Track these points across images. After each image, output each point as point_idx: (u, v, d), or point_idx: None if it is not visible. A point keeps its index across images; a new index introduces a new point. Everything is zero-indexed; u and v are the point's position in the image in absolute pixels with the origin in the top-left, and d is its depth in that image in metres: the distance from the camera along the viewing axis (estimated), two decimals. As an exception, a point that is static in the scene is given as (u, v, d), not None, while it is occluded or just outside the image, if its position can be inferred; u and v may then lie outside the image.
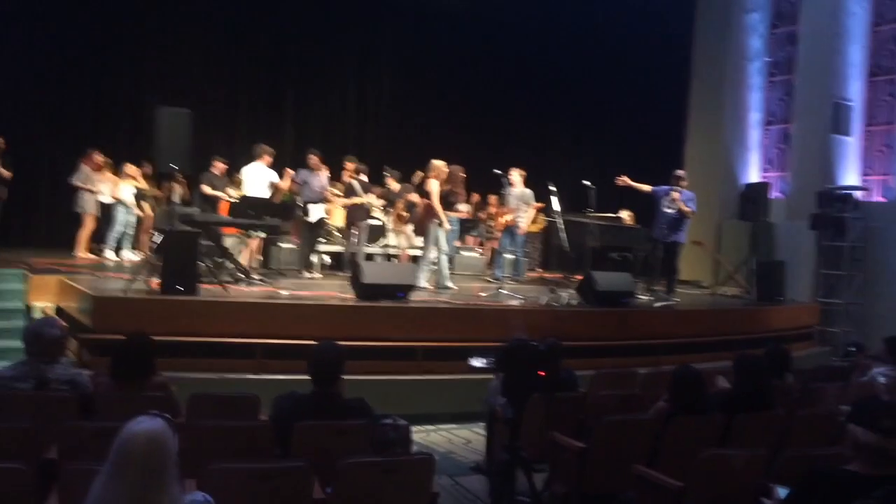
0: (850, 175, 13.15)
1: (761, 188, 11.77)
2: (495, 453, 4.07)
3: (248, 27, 14.30)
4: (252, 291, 8.10)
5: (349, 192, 10.64)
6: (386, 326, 7.25)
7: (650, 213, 10.33)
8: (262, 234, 9.71)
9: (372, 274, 7.84)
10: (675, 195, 9.84)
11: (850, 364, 7.33)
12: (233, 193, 10.62)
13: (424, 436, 6.51)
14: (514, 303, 8.69)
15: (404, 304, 7.73)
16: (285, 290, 8.22)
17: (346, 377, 4.12)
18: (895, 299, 12.15)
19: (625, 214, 12.88)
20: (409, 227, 10.95)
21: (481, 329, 7.43)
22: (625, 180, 9.89)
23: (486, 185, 12.61)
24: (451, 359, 7.18)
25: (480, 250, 13.55)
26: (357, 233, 10.60)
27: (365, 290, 7.65)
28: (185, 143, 7.40)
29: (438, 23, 15.64)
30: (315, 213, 10.03)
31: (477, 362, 3.74)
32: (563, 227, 9.74)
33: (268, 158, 9.83)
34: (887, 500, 2.47)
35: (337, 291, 8.41)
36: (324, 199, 10.25)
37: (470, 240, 13.79)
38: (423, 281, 9.34)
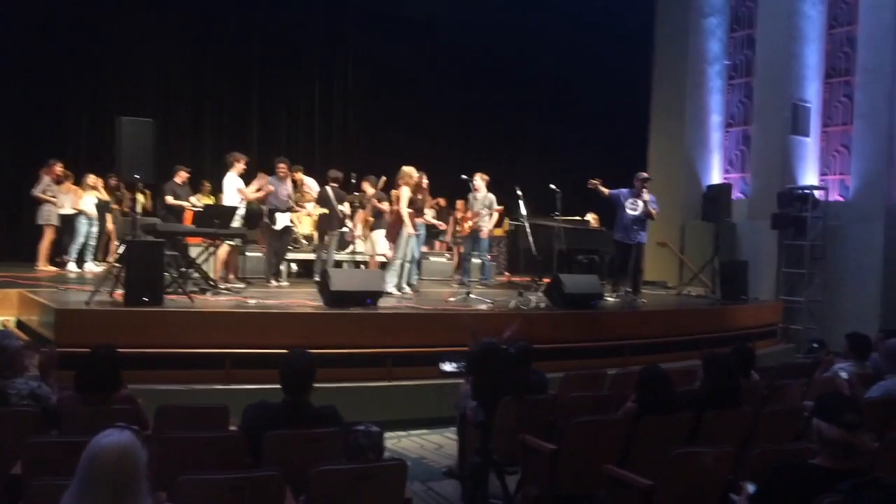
0: (808, 175, 13.43)
1: (723, 189, 11.95)
2: (467, 457, 4.07)
3: (211, 34, 14.20)
4: (219, 301, 8.01)
5: (322, 199, 10.60)
6: (355, 333, 7.22)
7: (612, 215, 10.43)
8: (231, 243, 9.60)
9: (340, 281, 7.80)
10: (646, 197, 9.99)
11: (813, 361, 7.47)
12: (196, 202, 10.52)
13: (396, 442, 6.50)
14: (483, 307, 8.71)
15: (373, 311, 7.70)
16: (253, 300, 8.15)
17: (315, 385, 4.09)
18: (855, 296, 12.43)
19: (591, 217, 13.00)
20: (376, 233, 10.92)
21: (450, 334, 7.43)
22: (595, 183, 9.99)
23: (452, 190, 12.64)
24: (420, 364, 7.20)
25: (448, 255, 13.57)
26: (328, 240, 10.56)
27: (333, 298, 7.61)
28: (149, 153, 7.30)
29: (403, 30, 15.69)
30: (281, 221, 9.97)
31: (447, 367, 3.75)
32: (530, 230, 9.79)
33: (239, 166, 9.73)
34: (852, 493, 2.52)
35: (305, 299, 8.36)
36: (290, 208, 10.19)
37: (438, 245, 13.81)
38: (392, 287, 9.35)
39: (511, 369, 3.74)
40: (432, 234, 12.79)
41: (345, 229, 11.40)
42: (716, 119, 15.08)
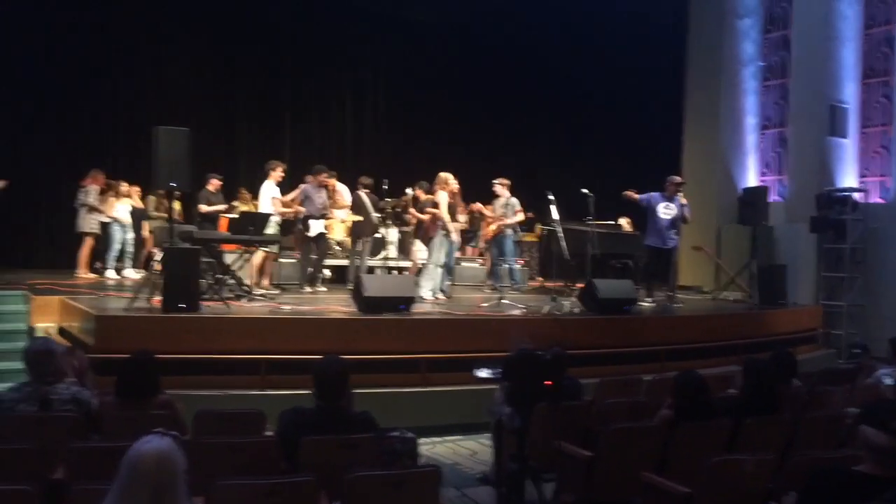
0: (847, 177, 13.19)
1: (760, 192, 11.77)
2: (503, 464, 4.05)
3: (243, 44, 14.35)
4: (254, 307, 8.09)
5: (356, 205, 10.66)
6: (388, 339, 7.23)
7: (644, 219, 10.34)
8: (266, 250, 9.70)
9: (373, 287, 7.83)
10: (683, 201, 9.91)
11: (855, 366, 7.33)
12: (242, 208, 10.66)
13: (430, 447, 6.49)
14: (516, 312, 8.68)
15: (406, 317, 7.71)
16: (287, 305, 8.21)
17: (352, 391, 4.11)
18: (896, 300, 12.17)
19: (624, 221, 12.88)
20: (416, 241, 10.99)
21: (484, 340, 7.42)
22: (629, 195, 9.95)
23: (487, 196, 12.63)
24: (454, 370, 7.18)
25: (481, 261, 13.55)
26: (361, 246, 10.63)
27: (367, 304, 7.64)
28: (185, 161, 7.40)
29: (434, 36, 15.72)
30: (315, 228, 10.04)
31: (482, 373, 3.72)
32: (562, 235, 9.74)
33: (276, 174, 9.85)
34: (899, 501, 2.46)
35: (339, 305, 8.40)
36: (324, 216, 10.26)
37: (470, 250, 13.80)
38: (427, 292, 9.37)
39: (546, 375, 3.71)
40: (465, 239, 12.79)
41: (378, 235, 11.46)
42: (751, 121, 14.89)
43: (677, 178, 10.29)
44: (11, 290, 8.53)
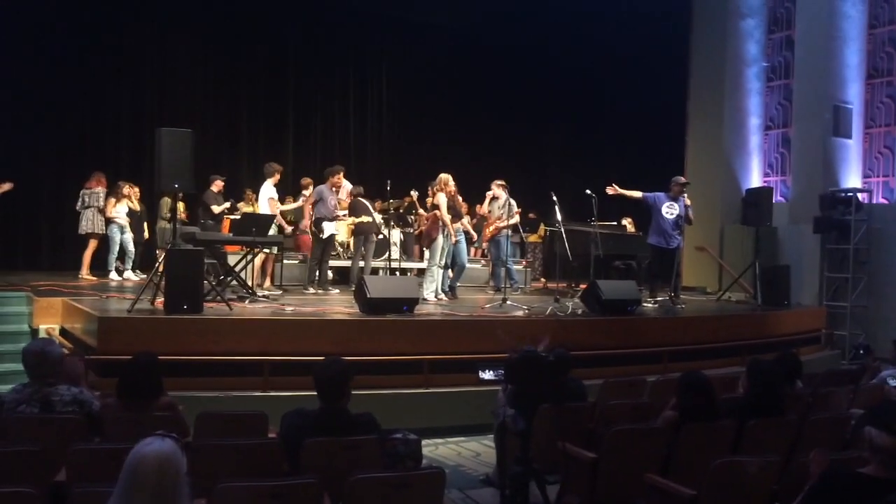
0: (851, 177, 13.15)
1: (764, 192, 11.74)
2: (508, 466, 4.04)
3: (247, 45, 14.37)
4: (256, 308, 8.08)
5: (355, 209, 10.67)
6: (392, 340, 7.22)
7: (650, 219, 10.31)
8: (268, 251, 9.70)
9: (376, 288, 7.82)
10: (688, 202, 9.90)
11: (859, 367, 7.31)
12: (246, 209, 10.69)
13: (433, 449, 6.47)
14: (519, 313, 8.66)
15: (409, 318, 7.70)
16: (290, 307, 8.21)
17: (353, 392, 4.09)
18: (900, 301, 12.14)
19: (627, 222, 12.87)
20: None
21: (487, 341, 7.41)
22: (614, 188, 9.88)
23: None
24: (457, 371, 7.18)
25: (484, 262, 13.55)
26: (364, 248, 10.63)
27: (370, 305, 7.63)
28: (187, 162, 7.40)
29: (436, 38, 15.73)
30: (328, 229, 10.06)
31: (486, 374, 3.72)
32: (566, 236, 9.72)
33: (275, 177, 9.90)
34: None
35: (342, 307, 8.39)
36: (335, 217, 10.28)
37: (473, 251, 13.79)
38: (430, 293, 9.37)
39: (550, 377, 3.70)
40: (467, 240, 12.78)
41: (381, 236, 11.46)
42: (755, 121, 14.86)
43: (682, 179, 10.28)
44: (14, 292, 8.55)
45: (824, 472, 2.96)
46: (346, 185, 11.20)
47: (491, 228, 11.10)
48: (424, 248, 10.17)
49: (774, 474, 3.78)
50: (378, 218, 11.28)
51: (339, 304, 8.70)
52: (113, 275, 10.96)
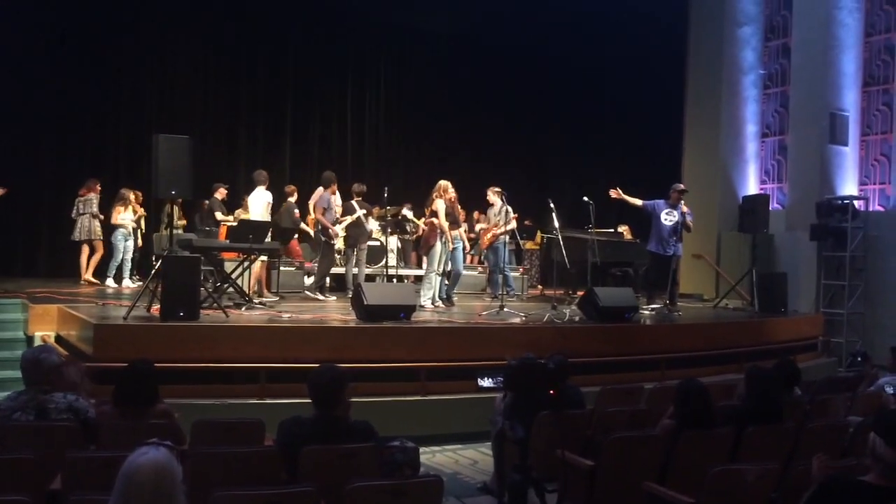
0: (847, 185, 13.18)
1: (760, 200, 11.76)
2: (506, 474, 4.02)
3: (245, 52, 14.38)
4: (253, 315, 8.06)
5: (348, 212, 10.66)
6: (388, 347, 7.20)
7: (646, 226, 10.33)
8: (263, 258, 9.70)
9: (373, 295, 7.80)
10: (685, 209, 9.91)
11: (856, 374, 7.30)
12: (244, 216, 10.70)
13: (430, 457, 6.45)
14: (516, 320, 8.65)
15: (406, 325, 7.69)
16: (287, 314, 8.19)
17: (350, 399, 4.07)
18: (897, 308, 12.15)
19: (623, 229, 12.88)
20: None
21: (484, 348, 7.40)
22: (618, 192, 9.91)
23: (484, 204, 12.63)
24: (454, 378, 7.17)
25: (481, 269, 13.54)
26: (358, 254, 10.62)
27: (367, 312, 7.62)
28: (186, 169, 7.39)
29: (433, 46, 15.76)
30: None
31: (485, 382, 3.71)
32: (563, 243, 9.72)
33: (267, 183, 9.94)
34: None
35: (338, 314, 8.38)
36: (337, 222, 10.33)
37: (469, 258, 13.78)
38: (427, 300, 9.36)
39: (549, 384, 3.69)
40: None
41: (375, 243, 11.44)
42: (751, 129, 14.89)
43: (680, 186, 10.30)
44: (10, 299, 8.51)
45: (824, 479, 2.95)
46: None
47: (488, 235, 11.11)
48: (423, 255, 10.18)
49: (773, 482, 3.77)
50: (375, 225, 11.27)
51: (335, 311, 8.69)
52: (110, 281, 10.94)
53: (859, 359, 10.53)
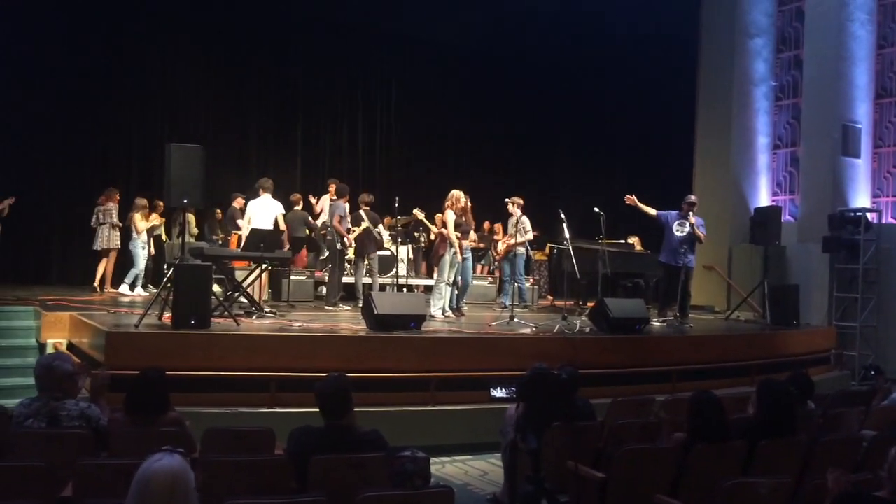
0: (860, 197, 13.12)
1: (772, 212, 11.71)
2: (518, 485, 4.00)
3: (256, 62, 14.44)
4: (263, 324, 8.07)
5: (355, 222, 10.70)
6: (398, 357, 7.20)
7: (657, 237, 10.30)
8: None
9: (384, 305, 7.80)
10: (692, 220, 9.88)
11: (870, 388, 7.24)
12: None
13: (439, 468, 6.43)
14: (526, 331, 8.63)
15: (417, 335, 7.68)
16: (297, 323, 8.20)
17: (360, 409, 4.07)
18: (910, 321, 12.06)
19: (634, 240, 12.85)
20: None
21: (494, 359, 7.38)
22: (633, 200, 9.90)
23: (495, 214, 12.65)
24: (464, 389, 7.15)
25: (491, 279, 13.54)
26: (369, 264, 10.65)
27: (378, 322, 7.62)
28: (198, 178, 7.42)
29: (444, 56, 15.80)
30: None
31: (498, 392, 3.70)
32: (573, 254, 9.71)
33: (272, 191, 9.93)
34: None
35: (349, 323, 8.38)
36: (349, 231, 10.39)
37: (479, 268, 13.79)
38: (437, 310, 9.36)
39: (562, 395, 3.67)
40: (475, 257, 12.80)
41: (385, 252, 11.45)
42: (763, 141, 14.86)
43: (691, 198, 10.27)
44: (22, 306, 8.56)
45: (839, 494, 2.92)
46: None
47: (504, 246, 11.15)
48: (433, 266, 10.19)
49: (786, 496, 3.73)
50: (385, 234, 11.29)
51: (346, 321, 8.69)
52: (125, 289, 10.96)
53: (873, 372, 10.44)
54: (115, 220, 11.06)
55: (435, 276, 9.85)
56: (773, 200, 14.67)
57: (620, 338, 8.47)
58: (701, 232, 9.96)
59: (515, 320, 9.11)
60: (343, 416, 3.95)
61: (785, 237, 12.48)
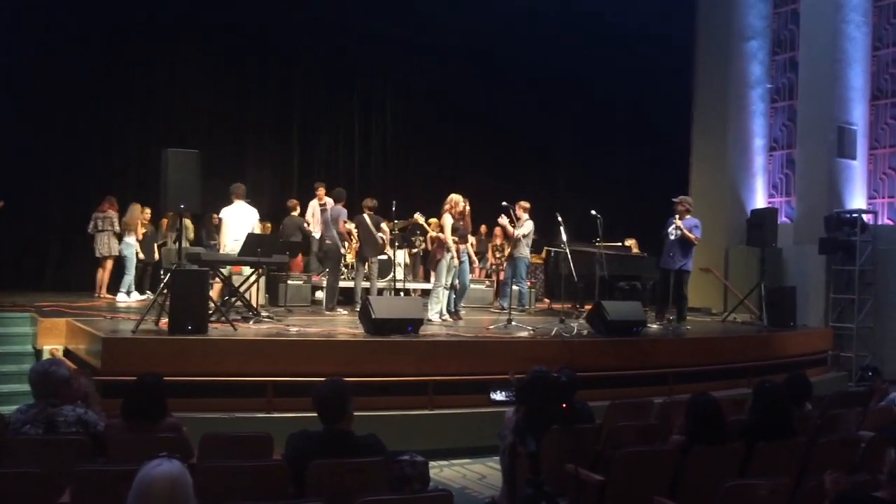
0: (856, 199, 13.14)
1: (769, 213, 11.73)
2: (517, 488, 3.99)
3: (253, 66, 14.43)
4: (261, 329, 8.06)
5: (360, 226, 10.71)
6: (396, 361, 7.19)
7: (654, 240, 10.36)
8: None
9: (381, 309, 7.80)
10: (678, 222, 9.91)
11: (867, 389, 7.25)
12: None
13: (438, 471, 6.42)
14: (524, 334, 8.63)
15: (414, 339, 7.68)
16: (294, 327, 8.19)
17: (357, 413, 4.07)
18: (907, 322, 12.08)
19: (631, 243, 12.86)
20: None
21: (492, 362, 7.38)
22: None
23: (491, 217, 12.64)
24: (461, 392, 7.14)
25: (488, 282, 13.53)
26: (369, 267, 10.66)
27: (375, 326, 7.61)
28: (194, 183, 7.41)
29: (442, 60, 15.79)
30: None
31: (497, 396, 3.69)
32: (570, 256, 9.71)
33: (244, 197, 9.79)
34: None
35: (346, 327, 8.37)
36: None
37: (476, 272, 13.77)
38: (435, 314, 9.35)
39: (561, 398, 3.67)
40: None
41: (382, 256, 11.44)
42: (759, 143, 14.89)
43: (674, 199, 10.31)
44: (19, 313, 8.53)
45: (837, 496, 2.92)
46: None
47: (509, 249, 11.25)
48: (431, 270, 10.21)
49: (784, 497, 3.74)
50: (378, 236, 11.25)
51: (343, 325, 8.68)
52: (122, 297, 10.93)
53: (870, 373, 10.46)
54: (116, 227, 11.07)
55: (432, 279, 9.85)
56: (770, 202, 14.70)
57: (618, 340, 8.47)
58: (693, 234, 9.96)
59: (513, 323, 9.10)
60: (341, 420, 3.94)
61: (781, 239, 12.50)
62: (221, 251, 9.31)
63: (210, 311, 7.49)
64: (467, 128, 15.92)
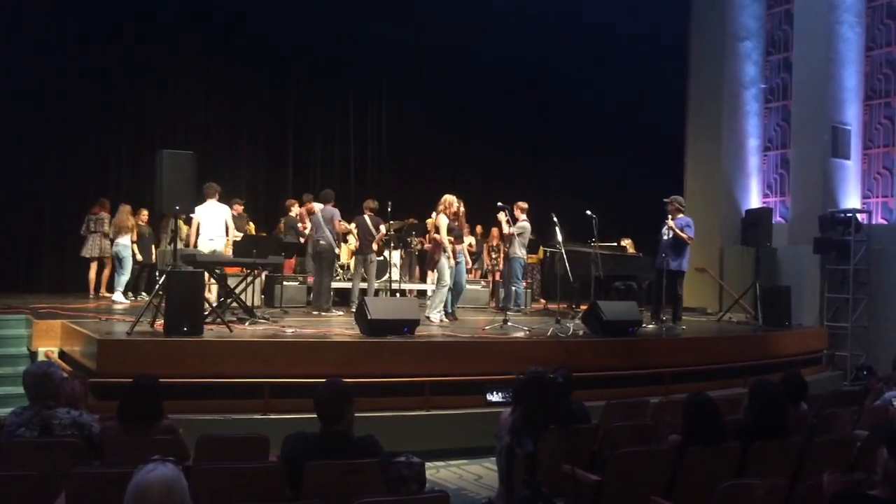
0: (850, 198, 13.18)
1: (763, 213, 11.76)
2: (515, 489, 4.00)
3: (249, 67, 14.40)
4: (257, 330, 8.05)
5: (360, 227, 10.72)
6: (392, 362, 7.19)
7: (649, 240, 10.38)
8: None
9: (377, 310, 7.79)
10: (670, 222, 9.94)
11: (862, 388, 7.26)
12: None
13: (434, 472, 6.42)
14: (520, 334, 8.63)
15: (410, 339, 7.67)
16: (290, 329, 8.18)
17: (355, 414, 4.06)
18: (900, 321, 12.11)
19: (626, 243, 12.87)
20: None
21: (488, 363, 7.38)
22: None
23: (487, 218, 12.65)
24: (458, 393, 7.14)
25: (484, 283, 13.54)
26: (367, 268, 10.65)
27: (371, 326, 7.60)
28: (189, 184, 7.41)
29: (436, 62, 15.81)
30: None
31: (494, 396, 3.69)
32: (566, 257, 9.72)
33: (218, 196, 9.68)
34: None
35: (342, 328, 8.36)
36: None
37: (472, 272, 13.77)
38: (435, 315, 9.36)
39: (558, 399, 3.67)
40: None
41: (381, 258, 11.46)
42: (753, 143, 14.92)
43: (665, 199, 10.33)
44: (13, 315, 8.51)
45: (836, 494, 2.93)
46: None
47: (505, 249, 11.30)
48: (430, 272, 10.22)
49: (781, 497, 3.74)
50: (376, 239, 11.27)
51: (339, 326, 8.67)
52: (118, 296, 10.90)
53: (865, 372, 10.50)
54: (106, 229, 11.09)
55: (431, 279, 9.84)
56: (764, 202, 14.73)
57: (613, 340, 8.48)
58: (686, 233, 9.98)
59: (509, 324, 9.11)
60: (339, 422, 3.94)
61: (776, 239, 12.53)
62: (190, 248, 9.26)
63: (206, 313, 7.48)
64: (462, 128, 15.92)
